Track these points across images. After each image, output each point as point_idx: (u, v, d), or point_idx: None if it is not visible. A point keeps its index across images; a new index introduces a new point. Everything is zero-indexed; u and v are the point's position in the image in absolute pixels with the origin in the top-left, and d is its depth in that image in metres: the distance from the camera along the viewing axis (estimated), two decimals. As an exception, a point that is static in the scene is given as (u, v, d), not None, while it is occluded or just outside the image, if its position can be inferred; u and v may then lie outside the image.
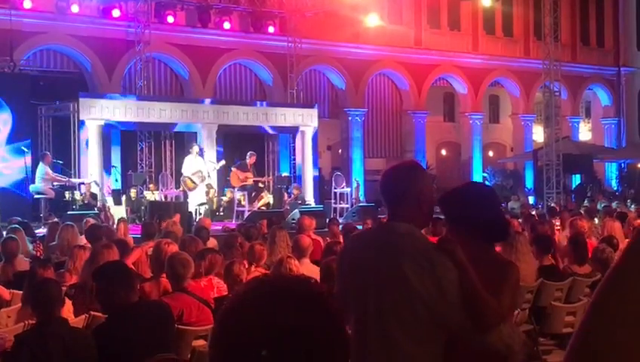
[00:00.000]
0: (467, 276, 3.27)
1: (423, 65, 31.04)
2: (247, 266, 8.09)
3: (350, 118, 29.80)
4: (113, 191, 21.40)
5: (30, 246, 11.10)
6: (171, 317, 5.76)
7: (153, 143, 24.78)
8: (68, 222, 12.07)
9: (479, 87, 32.95)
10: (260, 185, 22.32)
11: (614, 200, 25.16)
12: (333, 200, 24.17)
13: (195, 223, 16.31)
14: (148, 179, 23.35)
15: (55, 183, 19.39)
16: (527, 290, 8.18)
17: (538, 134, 33.15)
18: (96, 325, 5.82)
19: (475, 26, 32.71)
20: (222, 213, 21.82)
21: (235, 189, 21.72)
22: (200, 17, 25.58)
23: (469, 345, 3.51)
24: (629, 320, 1.29)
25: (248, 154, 22.14)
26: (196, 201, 20.72)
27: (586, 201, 26.28)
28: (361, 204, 23.90)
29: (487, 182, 33.05)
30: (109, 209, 19.22)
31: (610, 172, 36.35)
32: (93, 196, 19.64)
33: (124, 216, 18.64)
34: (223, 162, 22.43)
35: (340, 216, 21.97)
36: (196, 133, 23.33)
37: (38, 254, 10.87)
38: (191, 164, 21.05)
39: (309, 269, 7.95)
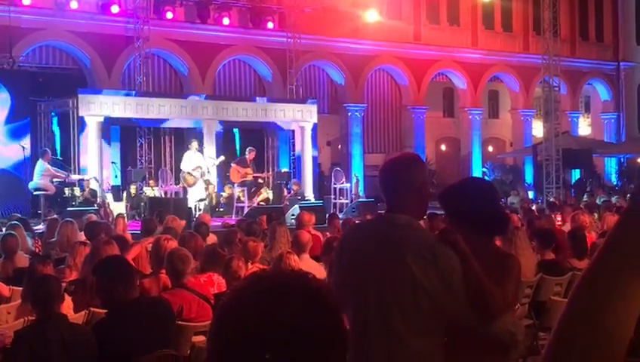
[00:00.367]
0: (470, 266, 3.28)
1: (422, 61, 31.02)
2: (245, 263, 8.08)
3: (349, 114, 29.80)
4: (113, 187, 21.40)
5: (30, 243, 11.08)
6: (171, 313, 5.77)
7: (152, 139, 24.76)
8: (67, 219, 12.07)
9: (479, 82, 32.94)
10: (260, 180, 22.32)
11: (614, 195, 25.17)
12: (332, 196, 24.18)
13: (194, 219, 16.30)
14: (147, 176, 23.35)
15: (55, 179, 19.39)
16: (527, 285, 8.18)
17: (537, 129, 33.15)
18: (95, 321, 5.83)
19: (474, 21, 32.70)
20: (221, 209, 21.81)
21: (235, 185, 21.71)
22: (199, 13, 25.57)
23: (472, 336, 3.52)
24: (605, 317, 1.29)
25: (248, 150, 22.14)
26: (196, 197, 20.71)
27: (585, 196, 26.31)
28: (360, 200, 23.91)
29: (486, 177, 33.08)
30: (109, 205, 19.23)
31: (610, 167, 36.35)
32: (93, 192, 19.64)
33: (124, 212, 18.64)
34: (222, 158, 22.42)
35: (340, 211, 21.98)
36: (195, 128, 23.30)
37: (38, 251, 10.87)
38: (190, 160, 21.04)
39: (308, 265, 7.96)
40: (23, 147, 20.21)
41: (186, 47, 25.63)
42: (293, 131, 25.65)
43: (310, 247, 8.76)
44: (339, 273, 3.58)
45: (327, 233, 11.76)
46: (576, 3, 35.66)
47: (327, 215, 16.24)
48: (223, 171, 22.85)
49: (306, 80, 29.05)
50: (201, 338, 6.08)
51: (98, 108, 21.03)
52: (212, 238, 11.07)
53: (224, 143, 24.00)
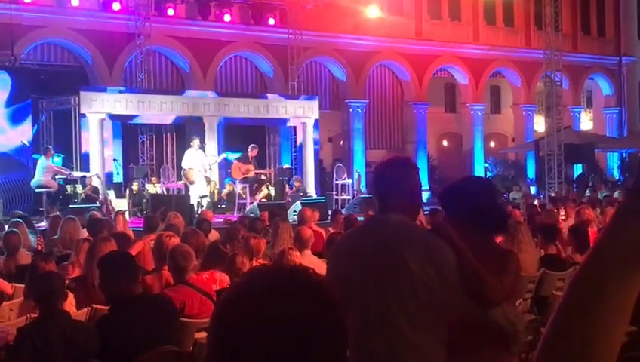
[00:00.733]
0: (464, 257, 3.35)
1: (423, 56, 30.99)
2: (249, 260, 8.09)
3: (351, 110, 29.78)
4: (114, 183, 21.45)
5: (33, 240, 11.09)
6: (173, 310, 5.77)
7: (154, 136, 24.77)
8: (70, 216, 12.09)
9: (480, 77, 32.91)
10: (262, 177, 22.32)
11: (616, 190, 25.15)
12: (334, 192, 24.18)
13: (196, 216, 16.31)
14: (149, 172, 23.36)
15: (57, 176, 19.41)
16: (529, 280, 8.17)
17: (539, 124, 33.10)
18: (98, 317, 5.83)
19: (475, 17, 32.65)
20: (223, 206, 21.82)
21: (237, 182, 21.72)
22: (200, 10, 25.57)
23: (474, 333, 3.55)
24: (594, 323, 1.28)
25: (250, 147, 22.12)
26: (198, 194, 20.72)
27: (587, 191, 26.29)
28: (362, 196, 23.89)
29: (488, 173, 33.10)
30: (111, 202, 19.24)
31: (612, 161, 36.33)
32: (95, 190, 19.66)
33: (126, 209, 18.66)
34: (223, 155, 22.43)
35: (342, 207, 21.96)
36: (196, 125, 23.31)
37: (40, 248, 10.88)
38: (192, 158, 21.05)
39: (310, 261, 7.96)
40: (25, 144, 20.23)
41: (188, 43, 25.62)
42: (295, 127, 25.65)
43: (312, 243, 8.77)
44: (335, 279, 3.58)
45: (330, 229, 11.76)
46: (577, -2, 35.64)
47: (329, 211, 16.24)
48: (225, 168, 22.87)
49: (308, 76, 29.02)
50: (203, 334, 6.08)
51: (100, 105, 21.05)
52: (214, 235, 11.08)
53: (225, 139, 24.01)
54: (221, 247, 7.85)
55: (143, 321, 5.29)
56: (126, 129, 23.83)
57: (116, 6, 23.79)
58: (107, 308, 5.62)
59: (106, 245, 7.13)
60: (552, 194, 23.31)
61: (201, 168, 20.97)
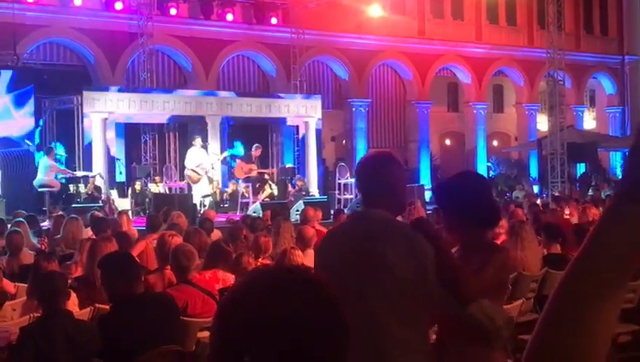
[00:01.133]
0: (443, 252, 3.43)
1: (426, 55, 30.98)
2: (254, 259, 8.09)
3: (354, 109, 29.78)
4: (117, 183, 21.47)
5: (35, 240, 11.10)
6: (176, 309, 5.77)
7: (157, 136, 24.78)
8: (73, 215, 12.10)
9: (483, 76, 32.89)
10: (266, 176, 22.31)
11: (619, 189, 25.04)
12: (337, 192, 24.17)
13: (199, 215, 16.32)
14: (152, 172, 23.37)
15: (60, 175, 19.43)
16: (532, 279, 8.17)
17: (542, 123, 33.07)
18: (100, 316, 5.84)
19: (478, 16, 32.63)
20: (226, 205, 21.83)
21: (239, 181, 21.72)
22: (203, 9, 25.57)
23: (459, 327, 3.62)
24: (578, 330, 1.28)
25: (254, 146, 22.11)
26: (200, 193, 20.74)
27: (590, 190, 26.27)
28: (365, 195, 23.85)
29: (491, 172, 33.08)
30: (114, 201, 19.25)
31: (615, 161, 36.27)
32: (98, 189, 19.68)
33: (129, 208, 18.67)
34: (225, 153, 22.44)
35: (344, 206, 21.95)
36: (199, 124, 23.32)
37: (43, 248, 10.89)
38: (194, 157, 21.06)
39: (312, 260, 7.94)
40: (29, 144, 20.25)
41: (190, 43, 25.63)
42: (298, 127, 25.65)
43: (314, 243, 8.77)
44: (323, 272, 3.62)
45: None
46: (580, -4, 35.60)
47: (331, 210, 16.24)
48: (228, 167, 22.89)
49: (310, 75, 29.02)
50: (206, 334, 6.08)
51: (102, 105, 21.07)
52: (217, 234, 11.08)
53: (228, 139, 24.04)
54: (224, 246, 7.85)
55: (145, 320, 5.29)
56: (128, 128, 23.84)
57: (119, 5, 23.79)
58: (109, 307, 5.62)
59: (107, 245, 7.14)
60: (556, 194, 23.29)
61: (204, 167, 20.97)
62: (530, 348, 1.32)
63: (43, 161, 19.06)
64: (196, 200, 20.00)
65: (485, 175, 31.66)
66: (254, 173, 21.57)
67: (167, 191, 21.66)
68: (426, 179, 29.21)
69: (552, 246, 8.82)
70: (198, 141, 21.39)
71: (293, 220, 14.02)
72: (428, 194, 22.18)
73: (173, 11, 24.75)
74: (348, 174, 24.94)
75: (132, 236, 10.02)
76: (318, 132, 25.21)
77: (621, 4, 37.29)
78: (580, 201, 17.13)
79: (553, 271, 8.35)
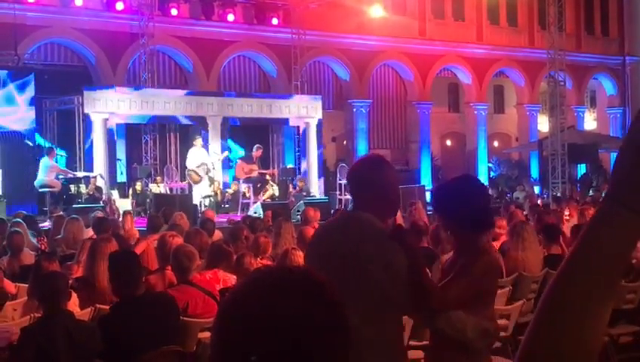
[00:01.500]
0: (414, 262, 3.46)
1: (427, 56, 30.97)
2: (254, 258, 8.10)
3: (355, 110, 29.78)
4: (118, 183, 21.47)
5: (34, 240, 11.11)
6: (176, 309, 5.77)
7: (158, 136, 24.79)
8: (73, 216, 12.10)
9: (484, 77, 32.89)
10: (267, 177, 22.30)
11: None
12: (338, 192, 24.17)
13: (200, 216, 16.31)
14: (154, 172, 23.39)
15: (60, 175, 19.43)
16: (533, 280, 8.17)
17: (543, 124, 33.08)
18: (100, 316, 5.84)
19: (479, 16, 32.63)
20: (227, 206, 21.83)
21: (240, 181, 21.73)
22: (204, 10, 25.58)
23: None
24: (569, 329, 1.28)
25: (255, 147, 22.12)
26: (201, 194, 20.74)
27: (591, 191, 26.26)
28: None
29: (492, 173, 33.08)
30: (115, 202, 19.26)
31: (616, 161, 36.22)
32: (99, 189, 19.69)
33: (130, 209, 18.67)
34: (226, 153, 22.45)
35: (345, 207, 21.95)
36: (200, 125, 23.33)
37: (43, 248, 10.90)
38: (195, 157, 21.07)
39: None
40: (30, 144, 20.25)
41: (191, 43, 25.64)
42: (298, 127, 25.65)
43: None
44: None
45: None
46: (581, -3, 35.59)
47: (332, 211, 16.23)
48: (228, 166, 22.90)
49: (311, 76, 29.02)
50: (207, 334, 6.09)
51: (103, 105, 21.08)
52: (217, 235, 11.09)
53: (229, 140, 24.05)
54: (224, 247, 7.85)
55: (146, 321, 5.29)
56: (129, 128, 23.85)
57: (120, 6, 23.80)
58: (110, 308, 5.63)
59: (106, 245, 7.14)
60: (558, 194, 23.29)
61: (205, 167, 20.98)
62: (522, 347, 1.32)
63: (44, 162, 19.06)
64: (197, 200, 20.00)
65: (486, 176, 31.72)
66: (255, 174, 21.58)
67: (168, 192, 21.66)
68: (426, 180, 29.21)
69: (553, 246, 8.82)
70: (199, 141, 21.41)
71: (293, 220, 14.02)
72: (429, 195, 22.17)
73: (174, 12, 24.76)
74: (348, 175, 24.92)
75: (131, 237, 10.02)
76: (319, 132, 25.20)
77: (622, 4, 37.28)
78: (580, 202, 17.12)
79: (554, 272, 8.33)
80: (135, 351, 5.12)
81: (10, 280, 7.95)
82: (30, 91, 20.31)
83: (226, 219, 16.61)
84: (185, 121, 23.56)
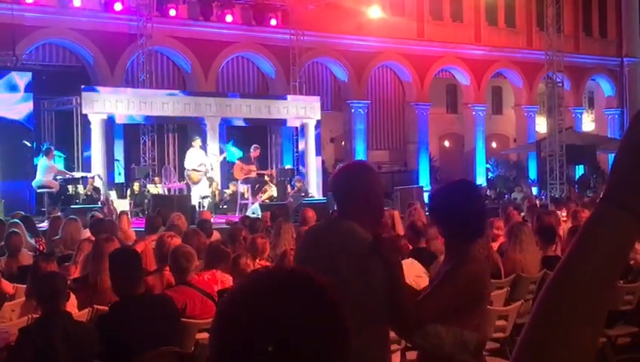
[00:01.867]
0: (394, 276, 3.43)
1: (425, 57, 30.99)
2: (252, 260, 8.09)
3: (353, 110, 29.79)
4: (116, 184, 21.45)
5: (32, 241, 11.10)
6: (175, 310, 5.77)
7: (156, 137, 24.79)
8: (71, 216, 12.09)
9: (482, 78, 32.91)
10: (266, 177, 22.29)
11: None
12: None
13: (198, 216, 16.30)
14: (151, 173, 23.37)
15: (59, 176, 19.42)
16: (531, 281, 8.17)
17: (541, 125, 33.07)
18: (98, 316, 5.84)
19: (477, 17, 32.65)
20: (225, 206, 21.82)
21: (239, 182, 21.72)
22: (202, 10, 25.57)
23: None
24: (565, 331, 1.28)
25: (252, 147, 22.11)
26: (200, 194, 20.73)
27: (589, 192, 26.27)
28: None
29: (490, 174, 33.08)
30: (112, 202, 19.24)
31: (614, 162, 36.23)
32: (97, 190, 19.67)
33: (128, 209, 18.66)
34: (225, 154, 22.44)
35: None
36: (199, 125, 23.32)
37: (42, 249, 10.89)
38: (194, 157, 21.07)
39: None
40: (28, 144, 20.23)
41: (189, 44, 25.63)
42: (297, 128, 25.65)
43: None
44: None
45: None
46: (579, -2, 35.62)
47: (330, 211, 16.20)
48: (227, 168, 22.88)
49: (310, 77, 29.02)
50: (205, 335, 6.08)
51: (101, 105, 21.06)
52: (215, 235, 11.08)
53: (227, 140, 24.04)
54: (222, 247, 7.85)
55: (144, 321, 5.29)
56: (127, 129, 23.84)
57: (118, 6, 23.78)
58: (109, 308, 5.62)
59: (109, 245, 7.14)
60: (556, 195, 23.29)
61: (204, 168, 20.97)
62: (518, 348, 1.32)
63: (42, 162, 19.04)
64: (195, 201, 19.99)
65: (484, 177, 31.74)
66: (253, 174, 21.57)
67: (166, 192, 21.65)
68: (425, 181, 29.22)
69: (549, 248, 8.82)
70: (197, 142, 21.39)
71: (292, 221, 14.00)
72: (427, 196, 22.17)
73: (172, 12, 24.75)
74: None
75: (128, 238, 10.02)
76: (317, 133, 25.19)
77: (620, 6, 37.31)
78: (578, 203, 17.10)
79: (551, 273, 8.34)
80: (133, 351, 5.11)
81: (7, 280, 7.95)
82: (27, 76, 20.35)
83: (224, 220, 16.59)
84: (183, 122, 23.56)
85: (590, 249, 1.29)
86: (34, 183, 18.96)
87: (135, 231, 12.19)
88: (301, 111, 24.81)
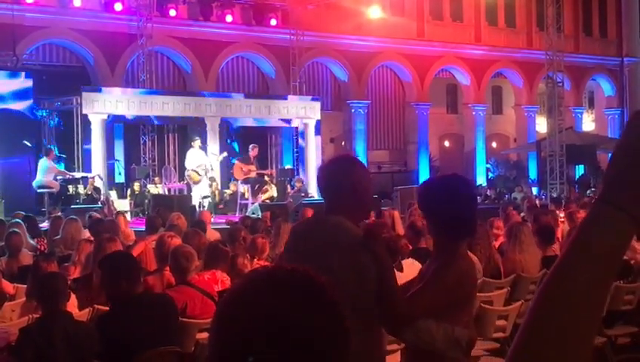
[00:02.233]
0: (384, 273, 3.40)
1: (425, 57, 30.99)
2: (250, 259, 8.09)
3: (353, 110, 29.79)
4: (116, 184, 21.46)
5: (32, 241, 11.10)
6: (175, 310, 5.77)
7: (156, 137, 24.79)
8: (72, 216, 12.09)
9: (482, 78, 32.90)
10: (266, 177, 22.28)
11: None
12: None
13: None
14: (151, 173, 23.38)
15: (59, 176, 19.42)
16: (531, 281, 8.17)
17: (541, 125, 33.09)
18: (98, 315, 5.84)
19: (477, 17, 32.65)
20: (223, 207, 21.82)
21: (239, 182, 21.72)
22: (202, 11, 25.57)
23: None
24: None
25: (250, 146, 22.11)
26: (200, 194, 20.73)
27: (589, 192, 26.26)
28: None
29: (490, 174, 33.07)
30: (113, 202, 19.24)
31: (614, 162, 36.18)
32: (97, 190, 19.67)
33: (128, 209, 18.68)
34: (224, 154, 22.45)
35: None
36: (199, 126, 23.34)
37: (42, 249, 10.89)
38: (194, 158, 21.07)
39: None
40: (28, 144, 20.23)
41: (189, 44, 25.64)
42: (297, 128, 25.65)
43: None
44: None
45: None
46: (579, -2, 35.63)
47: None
48: (227, 168, 22.88)
49: (310, 77, 29.02)
50: (205, 335, 6.08)
51: (102, 105, 21.07)
52: (216, 235, 11.07)
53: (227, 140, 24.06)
54: (222, 247, 7.85)
55: (144, 321, 5.29)
56: (128, 129, 23.84)
57: (118, 7, 23.79)
58: (108, 307, 5.62)
59: (111, 245, 7.14)
60: (555, 195, 23.29)
61: (204, 168, 20.97)
62: (513, 348, 1.32)
63: (42, 162, 19.04)
64: (195, 201, 20.00)
65: (484, 176, 31.73)
66: (253, 174, 21.57)
67: (167, 193, 21.65)
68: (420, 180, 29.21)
69: (548, 248, 8.82)
70: (197, 142, 21.39)
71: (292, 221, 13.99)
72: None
73: (172, 12, 24.76)
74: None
75: (127, 238, 10.02)
76: (317, 133, 25.19)
77: (620, 6, 37.31)
78: (578, 203, 17.10)
79: (551, 273, 8.34)
80: (133, 351, 5.12)
81: (8, 280, 7.95)
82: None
83: (224, 220, 16.60)
84: (183, 122, 23.57)
85: (585, 249, 1.30)
86: (34, 183, 18.97)
87: (134, 231, 12.19)
88: (301, 111, 24.81)
